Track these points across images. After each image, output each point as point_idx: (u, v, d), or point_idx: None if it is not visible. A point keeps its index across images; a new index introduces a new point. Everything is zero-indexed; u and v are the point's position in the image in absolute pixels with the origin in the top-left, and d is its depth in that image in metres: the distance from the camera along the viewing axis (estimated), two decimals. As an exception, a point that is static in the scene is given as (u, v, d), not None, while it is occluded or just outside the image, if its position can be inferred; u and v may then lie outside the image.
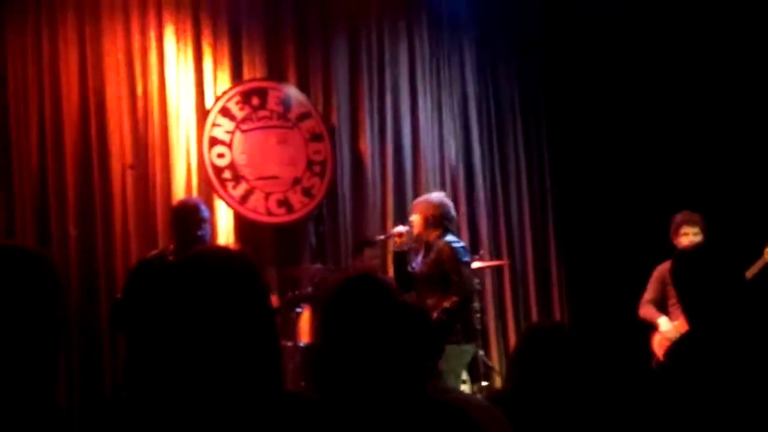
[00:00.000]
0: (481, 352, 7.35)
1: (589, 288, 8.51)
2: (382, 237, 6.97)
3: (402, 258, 6.28)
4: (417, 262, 6.19)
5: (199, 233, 5.71)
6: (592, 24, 8.49)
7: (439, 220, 6.09)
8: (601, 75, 8.56)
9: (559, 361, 3.21)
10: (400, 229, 6.30)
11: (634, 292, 6.80)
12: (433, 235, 6.08)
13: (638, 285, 6.78)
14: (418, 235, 6.17)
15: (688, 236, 6.50)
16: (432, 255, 6.02)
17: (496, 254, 8.39)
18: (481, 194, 8.46)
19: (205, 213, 5.89)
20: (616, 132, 8.53)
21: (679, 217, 6.63)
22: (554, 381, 3.16)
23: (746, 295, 3.15)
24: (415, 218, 6.17)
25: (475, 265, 7.31)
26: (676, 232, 6.60)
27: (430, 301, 5.78)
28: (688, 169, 8.10)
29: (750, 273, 6.16)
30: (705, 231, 6.52)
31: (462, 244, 6.13)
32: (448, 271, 5.90)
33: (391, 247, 6.58)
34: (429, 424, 2.33)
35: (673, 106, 8.27)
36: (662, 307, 6.60)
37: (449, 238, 6.05)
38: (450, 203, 6.27)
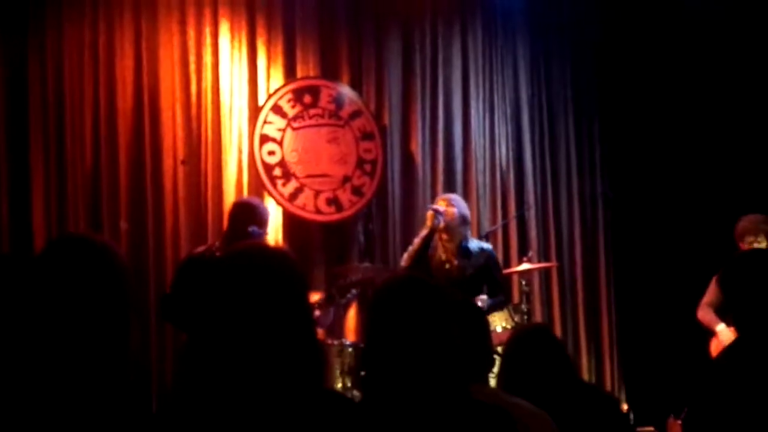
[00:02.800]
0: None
1: (638, 293, 8.42)
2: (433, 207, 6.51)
3: (430, 238, 6.39)
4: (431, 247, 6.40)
5: (249, 230, 5.76)
6: (646, 25, 8.38)
7: (469, 223, 6.58)
8: (656, 76, 8.43)
9: (542, 362, 3.26)
10: (440, 208, 6.39)
11: (684, 298, 6.71)
12: (462, 236, 6.40)
13: (687, 291, 6.69)
14: (451, 228, 6.37)
15: (752, 246, 6.36)
16: (479, 260, 6.41)
17: (544, 257, 8.33)
18: (531, 196, 8.40)
19: (264, 215, 5.92)
20: (672, 134, 8.37)
21: (740, 225, 6.48)
22: (536, 382, 3.20)
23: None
24: (453, 211, 6.36)
25: (524, 267, 7.27)
26: (741, 240, 6.45)
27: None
28: (746, 171, 7.93)
29: None
30: None
31: None
32: (495, 278, 6.46)
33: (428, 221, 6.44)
34: (471, 425, 2.32)
35: (733, 105, 8.08)
36: (722, 311, 6.46)
37: (490, 246, 6.68)
38: None
